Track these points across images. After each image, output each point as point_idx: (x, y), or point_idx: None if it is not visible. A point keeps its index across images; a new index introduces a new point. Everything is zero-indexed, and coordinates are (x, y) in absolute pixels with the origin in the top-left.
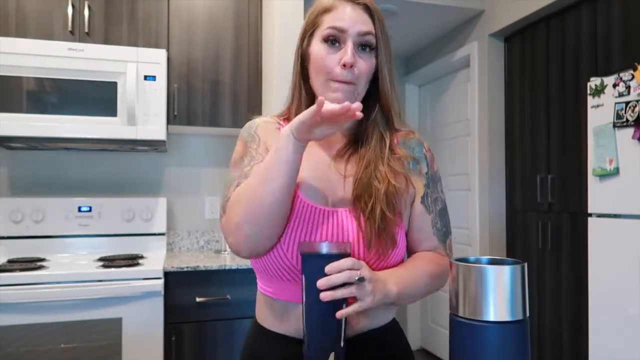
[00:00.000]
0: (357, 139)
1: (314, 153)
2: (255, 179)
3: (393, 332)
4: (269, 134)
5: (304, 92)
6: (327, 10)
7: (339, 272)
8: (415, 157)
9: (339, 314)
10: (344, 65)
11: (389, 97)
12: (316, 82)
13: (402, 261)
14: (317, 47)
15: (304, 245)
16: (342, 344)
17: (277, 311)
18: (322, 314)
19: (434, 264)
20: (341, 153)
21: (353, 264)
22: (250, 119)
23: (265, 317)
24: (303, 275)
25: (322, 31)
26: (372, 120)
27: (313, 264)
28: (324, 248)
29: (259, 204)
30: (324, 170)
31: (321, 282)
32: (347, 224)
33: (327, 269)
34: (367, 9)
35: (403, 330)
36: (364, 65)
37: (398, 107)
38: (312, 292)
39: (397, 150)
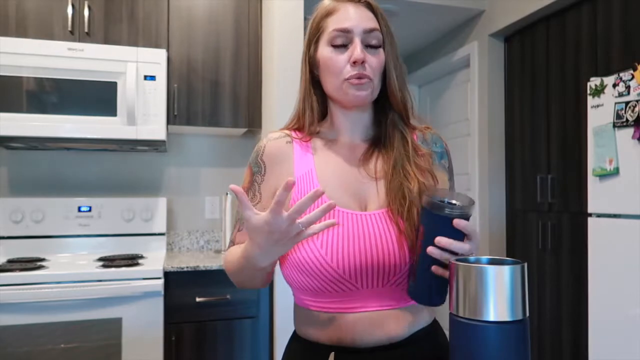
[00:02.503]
0: (378, 140)
1: (339, 161)
2: (235, 264)
3: (435, 333)
4: (276, 159)
5: (315, 99)
6: (329, 13)
7: (464, 232)
8: (437, 152)
9: (434, 268)
10: (355, 62)
11: (399, 93)
12: (330, 86)
13: None
14: (325, 52)
15: (429, 196)
16: (442, 300)
17: (327, 323)
18: (429, 266)
19: None
20: (367, 156)
21: (476, 234)
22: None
23: (309, 329)
24: (423, 226)
25: (327, 35)
26: (390, 120)
27: (435, 221)
28: (448, 209)
29: (239, 278)
30: (354, 175)
31: (443, 242)
32: (386, 227)
33: (457, 224)
34: (369, 6)
35: (443, 331)
36: (374, 60)
37: (411, 102)
38: (428, 245)
39: (420, 148)
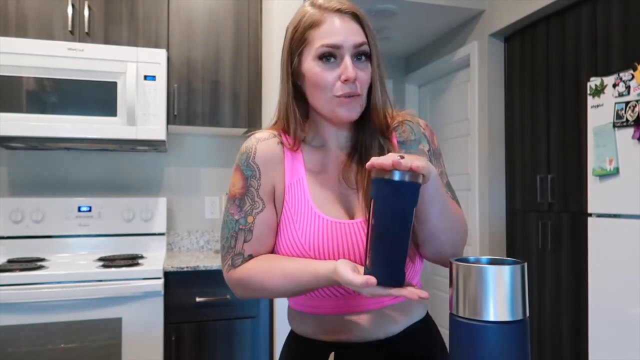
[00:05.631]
0: (359, 148)
1: (327, 171)
2: (278, 279)
3: (428, 326)
4: (269, 162)
5: (299, 111)
6: (314, 24)
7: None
8: (414, 140)
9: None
10: (346, 80)
11: (381, 108)
12: (319, 103)
13: (422, 262)
14: (312, 67)
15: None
16: (403, 277)
17: (319, 323)
18: (389, 242)
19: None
20: (348, 165)
21: (429, 167)
22: (248, 135)
23: (305, 328)
24: (373, 200)
25: (315, 50)
26: (369, 129)
27: (384, 189)
28: (397, 175)
29: (269, 293)
30: (338, 184)
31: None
32: None
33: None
34: (355, 17)
35: (436, 325)
36: (364, 75)
37: (390, 105)
38: (384, 218)
39: (396, 151)
